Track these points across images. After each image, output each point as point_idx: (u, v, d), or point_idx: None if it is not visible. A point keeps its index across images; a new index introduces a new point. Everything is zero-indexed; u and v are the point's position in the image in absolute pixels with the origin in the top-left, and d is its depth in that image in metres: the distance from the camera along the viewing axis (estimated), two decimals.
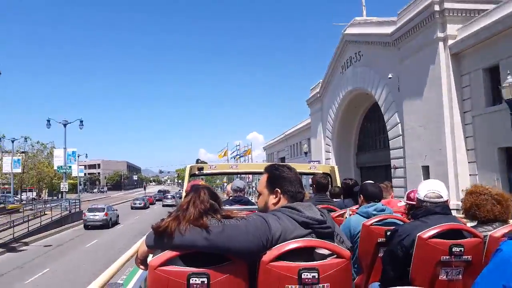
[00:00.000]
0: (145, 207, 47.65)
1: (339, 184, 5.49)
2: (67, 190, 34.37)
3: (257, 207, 2.10)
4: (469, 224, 2.80)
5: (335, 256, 1.74)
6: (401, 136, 18.40)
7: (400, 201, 4.15)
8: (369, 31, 21.18)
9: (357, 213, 3.28)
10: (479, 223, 2.65)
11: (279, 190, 1.93)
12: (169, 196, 56.72)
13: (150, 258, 1.84)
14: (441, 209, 2.52)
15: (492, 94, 13.85)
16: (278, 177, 1.97)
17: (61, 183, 34.95)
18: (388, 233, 2.75)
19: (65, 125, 34.01)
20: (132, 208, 45.84)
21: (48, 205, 31.47)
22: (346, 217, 3.54)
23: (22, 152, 49.24)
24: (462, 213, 2.87)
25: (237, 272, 1.69)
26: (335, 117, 26.66)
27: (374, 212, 3.12)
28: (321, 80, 29.61)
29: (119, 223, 31.81)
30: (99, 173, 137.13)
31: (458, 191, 13.90)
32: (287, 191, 1.92)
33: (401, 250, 2.45)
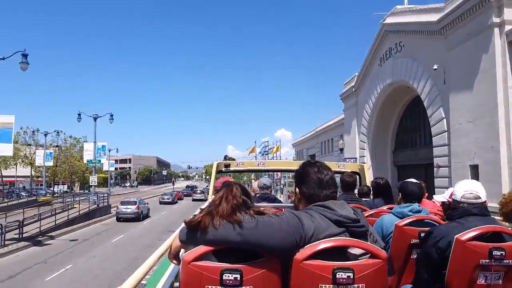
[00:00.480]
0: (173, 202, 47.92)
1: (368, 183, 5.48)
2: (96, 184, 34.61)
3: (283, 204, 2.27)
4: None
5: (370, 256, 1.70)
6: (446, 133, 17.02)
7: (433, 202, 4.02)
8: (411, 20, 19.79)
9: (391, 212, 3.20)
10: None
11: (297, 190, 1.97)
12: (199, 191, 57.93)
13: (181, 253, 1.87)
14: (479, 210, 2.45)
15: None
16: (298, 176, 1.99)
17: (90, 177, 35.28)
18: (422, 234, 2.71)
19: (95, 119, 34.29)
20: (161, 203, 46.22)
21: (77, 199, 31.83)
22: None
23: (56, 146, 50.55)
24: (500, 216, 2.85)
25: (270, 269, 1.67)
26: (371, 112, 25.31)
27: (410, 213, 3.03)
28: (356, 74, 28.25)
29: (150, 216, 32.62)
30: (129, 167, 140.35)
31: None
32: (303, 192, 1.93)
33: (436, 252, 2.41)
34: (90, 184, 34.91)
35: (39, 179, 53.39)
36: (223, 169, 6.15)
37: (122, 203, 30.50)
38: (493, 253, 2.24)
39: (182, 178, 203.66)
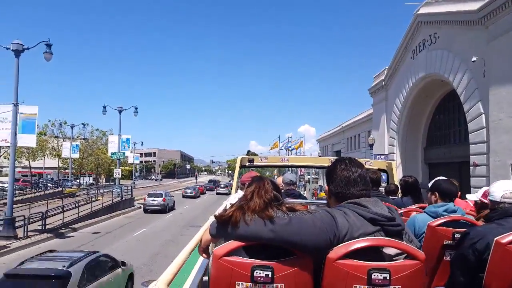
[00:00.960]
0: (195, 196, 48.11)
1: (396, 181, 5.42)
2: (120, 176, 34.85)
3: (310, 201, 2.83)
4: None
5: (406, 256, 1.65)
6: (484, 129, 16.04)
7: (466, 201, 3.87)
8: (448, 9, 18.75)
9: (425, 211, 3.09)
10: None
11: (326, 187, 1.95)
12: (222, 185, 58.93)
13: (211, 247, 1.92)
14: None
15: None
16: (327, 173, 1.96)
17: (115, 169, 35.63)
18: (456, 235, 2.66)
19: (120, 112, 34.58)
20: (183, 196, 46.48)
21: (100, 191, 32.27)
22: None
23: (83, 139, 51.54)
24: None
25: (302, 267, 1.63)
26: (402, 107, 24.33)
27: (444, 213, 2.92)
28: (386, 67, 27.26)
29: (175, 209, 33.52)
30: (154, 161, 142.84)
31: None
32: (330, 189, 1.90)
33: (473, 254, 2.33)
34: (114, 176, 35.27)
35: (66, 171, 54.64)
36: (247, 164, 6.15)
37: (149, 195, 31.57)
38: None
39: (205, 173, 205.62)
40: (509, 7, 14.16)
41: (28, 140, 19.52)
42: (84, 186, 47.65)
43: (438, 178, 3.36)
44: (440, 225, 2.81)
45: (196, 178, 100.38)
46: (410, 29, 22.94)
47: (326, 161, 6.07)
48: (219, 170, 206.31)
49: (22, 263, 8.41)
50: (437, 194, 3.13)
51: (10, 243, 15.84)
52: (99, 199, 27.13)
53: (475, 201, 3.39)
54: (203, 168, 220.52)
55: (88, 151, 51.61)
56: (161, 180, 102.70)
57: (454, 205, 3.02)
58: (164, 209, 30.43)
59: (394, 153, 25.25)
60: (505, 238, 2.19)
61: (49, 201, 22.16)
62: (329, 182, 1.91)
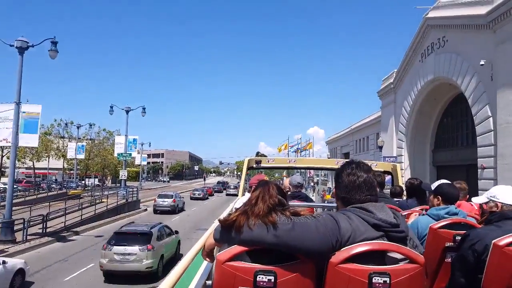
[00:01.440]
0: (203, 198, 48.01)
1: (401, 183, 5.48)
2: (126, 177, 34.72)
3: (314, 204, 2.41)
4: None
5: (408, 261, 1.66)
6: (492, 132, 16.11)
7: (471, 204, 3.89)
8: (457, 13, 18.86)
9: (427, 214, 3.14)
10: None
11: (334, 191, 1.96)
12: (232, 186, 59.14)
13: (215, 251, 1.92)
14: None
15: None
16: (335, 177, 1.96)
17: (120, 170, 35.41)
18: (457, 237, 2.71)
19: (127, 112, 34.38)
20: (191, 198, 46.39)
21: (105, 193, 31.62)
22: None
23: (90, 139, 50.73)
24: None
25: (304, 272, 1.65)
26: (410, 110, 24.41)
27: (446, 216, 2.98)
28: (395, 70, 27.31)
29: (185, 210, 33.88)
30: (162, 162, 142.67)
31: None
32: (337, 194, 1.92)
33: (473, 256, 2.39)
34: (120, 178, 35.10)
35: (71, 172, 54.20)
36: (254, 166, 6.18)
37: (160, 196, 32.45)
38: None
39: (213, 174, 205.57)
40: None
41: (30, 140, 18.94)
42: (89, 188, 47.41)
43: (441, 181, 3.41)
44: (441, 227, 2.86)
45: (204, 180, 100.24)
46: (419, 33, 23.03)
47: (333, 163, 6.18)
48: (228, 172, 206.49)
49: (122, 227, 15.09)
50: (440, 198, 3.18)
51: (7, 248, 15.22)
52: (103, 201, 26.85)
53: (480, 204, 3.38)
54: (212, 170, 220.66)
55: (94, 151, 51.13)
56: (168, 181, 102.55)
57: (456, 208, 3.09)
58: (174, 210, 30.94)
59: (402, 155, 25.33)
60: (502, 241, 2.26)
61: (51, 203, 21.70)
62: (336, 186, 1.93)
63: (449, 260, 2.81)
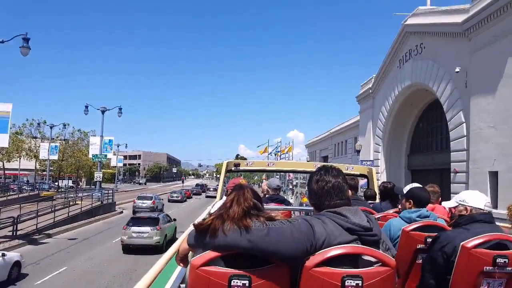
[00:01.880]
0: (182, 201, 47.74)
1: (376, 186, 5.61)
2: (101, 179, 33.90)
3: (291, 207, 2.42)
4: None
5: (380, 264, 1.71)
6: (465, 137, 16.63)
7: (444, 208, 4.00)
8: (434, 21, 19.38)
9: (399, 216, 3.24)
10: None
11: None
12: (212, 189, 58.99)
13: (190, 255, 1.92)
14: (485, 217, 2.55)
15: None
16: (307, 184, 2.00)
17: (95, 172, 34.64)
18: (429, 239, 2.79)
19: (103, 112, 33.63)
20: (169, 201, 45.97)
21: (80, 195, 31.06)
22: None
23: (64, 140, 49.25)
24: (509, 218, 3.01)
25: (278, 276, 1.67)
26: (387, 115, 24.94)
27: (417, 219, 3.07)
28: (374, 76, 27.92)
29: (163, 212, 33.04)
30: (139, 164, 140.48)
31: None
32: (309, 200, 1.94)
33: (442, 258, 2.47)
34: (95, 180, 34.24)
35: (44, 173, 52.67)
36: (233, 168, 6.16)
37: (139, 197, 33.31)
38: (497, 261, 2.33)
39: (192, 176, 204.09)
40: (491, 21, 14.78)
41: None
42: (63, 189, 46.07)
43: (412, 185, 3.50)
44: (413, 230, 2.96)
45: (182, 182, 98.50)
46: (398, 39, 23.58)
47: (311, 167, 6.25)
48: (207, 174, 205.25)
49: (136, 214, 23.11)
50: (411, 201, 3.27)
51: None
52: (77, 203, 26.33)
53: (449, 208, 3.48)
54: (191, 172, 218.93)
55: (68, 152, 49.66)
56: (145, 184, 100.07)
57: (427, 211, 3.19)
58: (153, 212, 30.65)
59: (379, 159, 25.89)
60: (470, 243, 2.37)
61: (22, 205, 21.08)
62: (308, 193, 1.96)
63: (420, 261, 2.89)
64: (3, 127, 18.14)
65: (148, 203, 31.83)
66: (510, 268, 2.37)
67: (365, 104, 29.63)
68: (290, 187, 51.89)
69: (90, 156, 36.83)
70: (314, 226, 1.71)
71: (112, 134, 47.86)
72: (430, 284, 2.54)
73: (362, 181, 9.33)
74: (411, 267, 2.98)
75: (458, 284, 2.41)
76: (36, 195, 34.66)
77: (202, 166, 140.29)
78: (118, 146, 62.00)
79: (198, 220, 2.21)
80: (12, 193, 36.39)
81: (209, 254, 1.66)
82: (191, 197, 56.36)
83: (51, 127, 43.49)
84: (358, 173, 6.05)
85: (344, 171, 5.59)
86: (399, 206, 3.67)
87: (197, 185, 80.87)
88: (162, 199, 36.58)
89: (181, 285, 2.91)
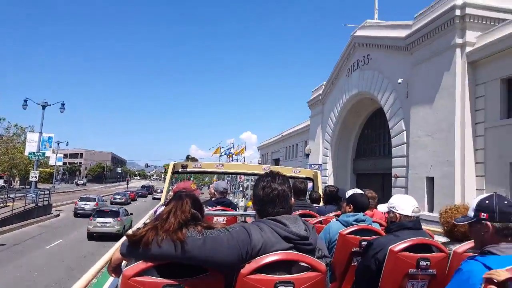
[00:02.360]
0: (125, 203, 45.28)
1: (320, 190, 5.77)
2: (37, 179, 31.79)
3: (235, 212, 2.32)
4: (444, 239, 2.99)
5: (309, 269, 1.77)
6: (405, 145, 17.95)
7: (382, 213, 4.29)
8: (380, 34, 20.71)
9: (338, 220, 3.41)
10: (455, 241, 2.77)
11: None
12: (159, 190, 56.49)
13: (123, 265, 1.86)
14: (413, 224, 2.71)
15: (508, 106, 13.46)
16: (253, 189, 2.03)
17: (31, 171, 32.42)
18: (363, 243, 2.93)
19: (43, 107, 31.81)
20: (112, 203, 43.55)
21: (12, 195, 28.73)
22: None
23: None
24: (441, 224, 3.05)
25: (213, 284, 1.71)
26: (336, 121, 26.20)
27: (354, 223, 3.25)
28: (324, 82, 29.14)
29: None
30: (81, 163, 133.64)
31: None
32: (253, 206, 1.98)
33: (375, 264, 2.61)
34: (31, 179, 32.01)
35: None
36: (180, 170, 6.00)
37: (81, 199, 32.12)
38: (420, 263, 2.51)
39: (138, 177, 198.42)
40: (431, 37, 16.10)
41: None
42: None
43: (354, 190, 3.69)
44: (349, 233, 3.10)
45: (127, 183, 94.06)
46: (347, 49, 24.86)
47: (260, 169, 6.28)
48: (155, 175, 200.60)
49: (101, 208, 26.01)
50: (352, 206, 3.47)
51: None
52: (8, 205, 24.34)
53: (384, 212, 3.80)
54: (137, 172, 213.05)
55: (1, 149, 46.00)
56: (85, 184, 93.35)
57: (363, 215, 3.38)
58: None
59: (327, 163, 27.04)
60: (397, 247, 2.53)
61: None
62: (253, 198, 2.00)
63: (355, 264, 3.09)
64: None
65: (91, 204, 30.33)
66: (431, 270, 2.53)
67: (316, 109, 30.79)
68: (241, 189, 52.25)
69: (27, 153, 34.43)
70: (251, 234, 1.75)
71: (53, 131, 44.36)
72: None
73: (311, 184, 9.95)
74: (347, 268, 3.16)
75: (386, 284, 2.56)
76: None
77: (149, 166, 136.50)
78: (58, 144, 58.65)
79: (138, 226, 2.20)
80: None
81: (142, 264, 1.67)
82: (136, 200, 54.01)
83: None
84: (304, 176, 6.14)
85: (291, 174, 6.06)
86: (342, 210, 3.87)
87: (143, 186, 77.22)
88: (106, 201, 35.52)
89: None
